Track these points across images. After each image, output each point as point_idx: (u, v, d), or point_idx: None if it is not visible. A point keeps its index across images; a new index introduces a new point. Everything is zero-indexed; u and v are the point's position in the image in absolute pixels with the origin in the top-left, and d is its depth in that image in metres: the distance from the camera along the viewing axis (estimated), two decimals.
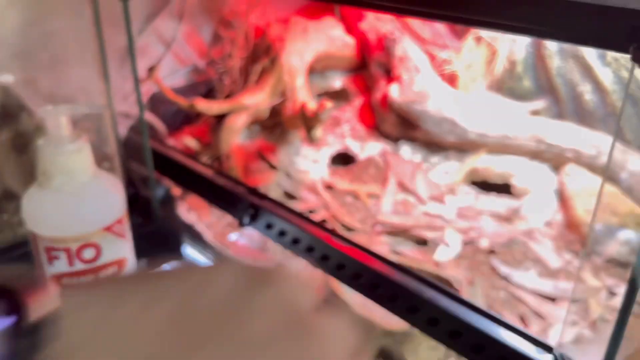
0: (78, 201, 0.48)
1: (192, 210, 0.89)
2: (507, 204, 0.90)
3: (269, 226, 0.66)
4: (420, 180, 0.95)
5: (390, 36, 1.05)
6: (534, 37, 0.77)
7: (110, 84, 0.63)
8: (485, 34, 1.04)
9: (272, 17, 1.04)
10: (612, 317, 0.43)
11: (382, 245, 0.82)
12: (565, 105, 0.97)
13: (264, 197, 0.65)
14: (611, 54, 0.88)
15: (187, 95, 1.25)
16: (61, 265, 0.48)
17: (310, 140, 0.89)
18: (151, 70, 0.97)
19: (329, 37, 1.16)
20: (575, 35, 0.27)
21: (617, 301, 0.73)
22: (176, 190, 0.97)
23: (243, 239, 0.85)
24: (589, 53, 0.91)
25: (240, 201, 0.69)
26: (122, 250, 0.51)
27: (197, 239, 0.85)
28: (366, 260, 0.57)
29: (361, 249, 0.58)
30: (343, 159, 1.12)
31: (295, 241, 0.62)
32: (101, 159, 0.61)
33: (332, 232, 0.61)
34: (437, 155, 1.02)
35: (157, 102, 1.17)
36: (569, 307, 0.65)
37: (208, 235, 0.83)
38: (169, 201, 0.73)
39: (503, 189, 0.97)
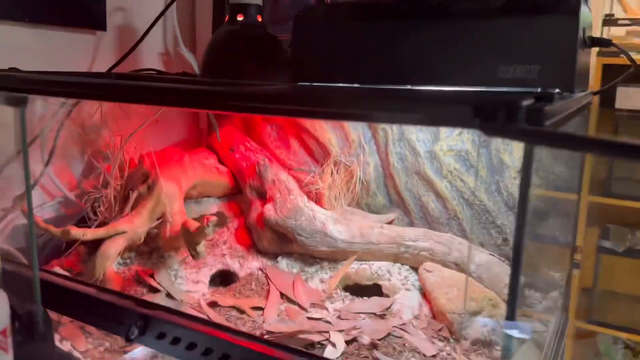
0: None
1: (65, 340, 0.83)
2: (379, 303, 0.99)
3: (160, 336, 0.65)
4: (300, 289, 1.01)
5: (262, 162, 1.17)
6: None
7: None
8: (343, 158, 1.21)
9: (146, 150, 1.10)
10: None
11: None
12: (415, 214, 1.14)
13: (154, 306, 0.66)
14: (446, 168, 1.08)
15: (57, 227, 1.21)
16: None
17: (195, 256, 0.91)
18: (18, 199, 0.95)
19: (204, 165, 1.24)
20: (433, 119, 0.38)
21: None
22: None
23: None
24: (429, 169, 1.10)
25: (127, 315, 0.67)
26: None
27: None
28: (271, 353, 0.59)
29: (264, 343, 0.60)
30: (223, 279, 1.13)
31: (191, 346, 0.62)
32: None
33: (230, 330, 0.63)
34: (313, 265, 1.09)
35: (20, 234, 1.11)
36: None
37: None
38: (48, 324, 0.68)
39: (374, 290, 1.06)
